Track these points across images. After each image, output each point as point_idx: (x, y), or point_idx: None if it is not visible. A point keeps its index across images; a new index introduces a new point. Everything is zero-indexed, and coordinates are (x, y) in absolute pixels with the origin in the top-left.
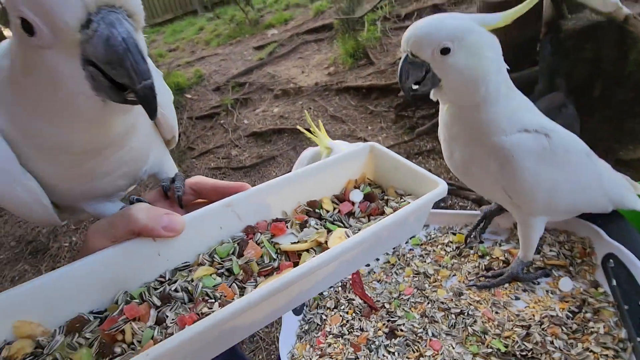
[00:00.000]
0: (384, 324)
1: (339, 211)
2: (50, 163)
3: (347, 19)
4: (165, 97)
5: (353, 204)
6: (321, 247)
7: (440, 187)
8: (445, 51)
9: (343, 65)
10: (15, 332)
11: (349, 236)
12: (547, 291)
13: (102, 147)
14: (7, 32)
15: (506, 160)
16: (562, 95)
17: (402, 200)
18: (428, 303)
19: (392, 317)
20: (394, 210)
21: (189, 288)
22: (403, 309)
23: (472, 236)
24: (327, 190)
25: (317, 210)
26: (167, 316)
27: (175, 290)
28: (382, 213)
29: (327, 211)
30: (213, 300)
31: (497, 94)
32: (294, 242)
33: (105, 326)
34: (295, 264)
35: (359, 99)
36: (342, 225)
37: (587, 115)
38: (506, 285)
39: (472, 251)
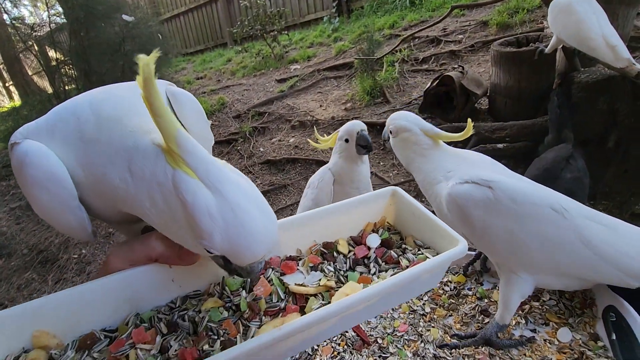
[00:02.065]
0: None
1: (355, 254)
2: (99, 197)
3: (367, 59)
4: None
5: (369, 248)
6: (329, 292)
7: (460, 246)
8: (391, 133)
9: (360, 102)
10: (33, 341)
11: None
12: (545, 340)
13: None
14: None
15: (452, 206)
16: (570, 147)
17: (419, 252)
18: (421, 342)
19: (384, 353)
20: (410, 262)
21: (196, 319)
22: (396, 346)
23: (470, 269)
24: (345, 231)
25: (334, 254)
26: (171, 346)
27: (183, 319)
28: (398, 262)
29: (342, 254)
30: (216, 337)
31: (420, 168)
32: (298, 284)
33: (113, 348)
34: (302, 308)
35: (373, 135)
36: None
37: (600, 168)
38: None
39: (470, 292)
